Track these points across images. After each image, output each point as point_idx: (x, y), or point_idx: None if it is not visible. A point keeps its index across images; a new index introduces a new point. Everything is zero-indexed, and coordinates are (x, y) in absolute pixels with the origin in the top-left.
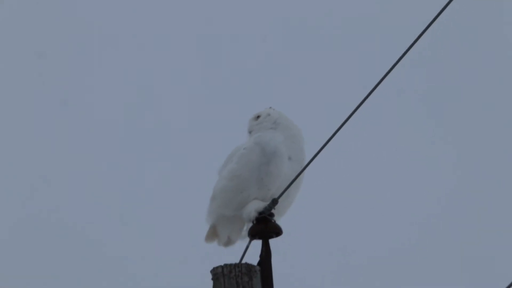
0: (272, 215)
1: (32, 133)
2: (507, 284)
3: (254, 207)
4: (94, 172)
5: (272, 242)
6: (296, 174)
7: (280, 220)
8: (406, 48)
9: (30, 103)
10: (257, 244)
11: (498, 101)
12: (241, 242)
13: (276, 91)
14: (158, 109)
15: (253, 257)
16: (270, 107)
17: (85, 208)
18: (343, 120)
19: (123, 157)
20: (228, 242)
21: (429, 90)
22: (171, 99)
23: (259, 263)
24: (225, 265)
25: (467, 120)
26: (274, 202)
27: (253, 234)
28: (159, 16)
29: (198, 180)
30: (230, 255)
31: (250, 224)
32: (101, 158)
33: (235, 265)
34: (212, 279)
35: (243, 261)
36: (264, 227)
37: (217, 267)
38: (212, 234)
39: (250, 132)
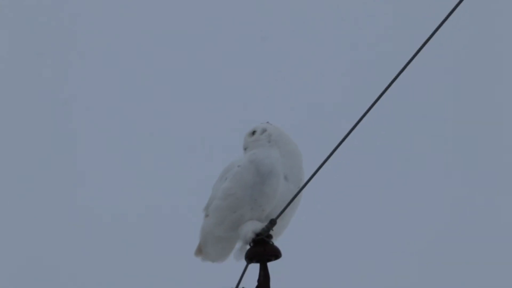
0: (270, 236)
1: (32, 133)
2: None
3: (251, 228)
4: (93, 173)
5: (271, 265)
6: (293, 194)
7: (277, 241)
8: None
9: (30, 103)
10: (255, 267)
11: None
12: (237, 264)
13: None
14: (158, 111)
15: (250, 281)
16: (267, 122)
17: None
18: (342, 137)
19: (122, 158)
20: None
21: (437, 100)
22: (170, 100)
23: None
24: None
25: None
26: (272, 222)
27: (250, 257)
28: (159, 15)
29: (192, 196)
30: (227, 279)
31: (243, 245)
32: (100, 158)
33: None
34: None
35: (240, 286)
36: (262, 250)
37: None
38: (201, 250)
39: (245, 148)
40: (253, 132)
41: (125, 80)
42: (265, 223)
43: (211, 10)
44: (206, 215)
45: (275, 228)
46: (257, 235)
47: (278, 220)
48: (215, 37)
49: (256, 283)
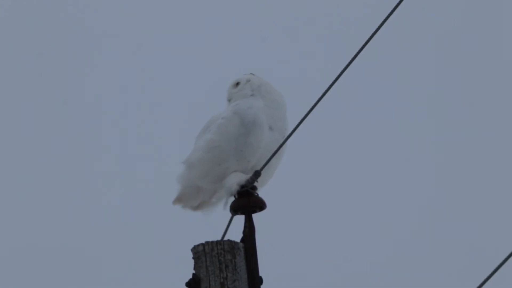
0: (254, 188)
1: (31, 133)
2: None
3: (235, 180)
4: (92, 173)
5: (256, 216)
6: (278, 144)
7: (261, 192)
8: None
9: (30, 103)
10: (240, 219)
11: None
12: (222, 216)
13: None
14: (156, 109)
15: (235, 233)
16: (251, 73)
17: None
18: (327, 86)
19: (121, 158)
20: (197, 208)
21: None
22: (170, 99)
23: (242, 240)
24: (207, 242)
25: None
26: (257, 174)
27: (235, 209)
28: (158, 15)
29: (174, 150)
30: (212, 232)
31: (228, 197)
32: (99, 158)
33: (217, 242)
34: (193, 258)
35: (226, 238)
36: (247, 201)
37: (198, 245)
38: (182, 199)
39: (229, 100)
40: (237, 84)
41: (126, 79)
42: (250, 175)
43: (211, 10)
44: (187, 166)
45: (259, 179)
46: (242, 187)
47: (262, 171)
48: (215, 37)
49: (241, 235)
